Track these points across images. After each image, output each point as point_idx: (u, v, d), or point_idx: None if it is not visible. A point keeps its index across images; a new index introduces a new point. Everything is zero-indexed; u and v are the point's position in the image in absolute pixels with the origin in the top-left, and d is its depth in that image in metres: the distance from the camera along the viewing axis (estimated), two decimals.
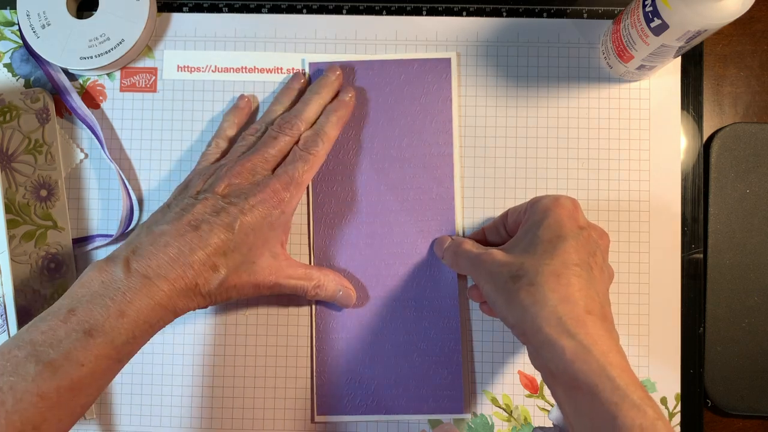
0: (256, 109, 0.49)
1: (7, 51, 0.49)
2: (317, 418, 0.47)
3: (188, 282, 0.38)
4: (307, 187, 0.48)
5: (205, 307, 0.40)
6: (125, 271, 0.37)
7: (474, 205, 0.48)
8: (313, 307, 0.48)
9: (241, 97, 0.48)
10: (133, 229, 0.48)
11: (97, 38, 0.47)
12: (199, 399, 0.47)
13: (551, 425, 0.47)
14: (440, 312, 0.47)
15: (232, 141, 0.47)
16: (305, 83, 0.48)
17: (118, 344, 0.35)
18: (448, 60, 0.48)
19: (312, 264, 0.48)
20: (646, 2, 0.39)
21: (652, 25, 0.39)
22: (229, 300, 0.41)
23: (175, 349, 0.48)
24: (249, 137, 0.45)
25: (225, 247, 0.39)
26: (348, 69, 0.49)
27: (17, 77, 0.49)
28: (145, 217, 0.48)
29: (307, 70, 0.49)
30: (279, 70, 0.49)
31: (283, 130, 0.44)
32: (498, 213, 0.48)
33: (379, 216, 0.48)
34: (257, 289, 0.42)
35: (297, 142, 0.44)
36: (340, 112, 0.46)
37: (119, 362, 0.36)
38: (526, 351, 0.47)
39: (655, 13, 0.38)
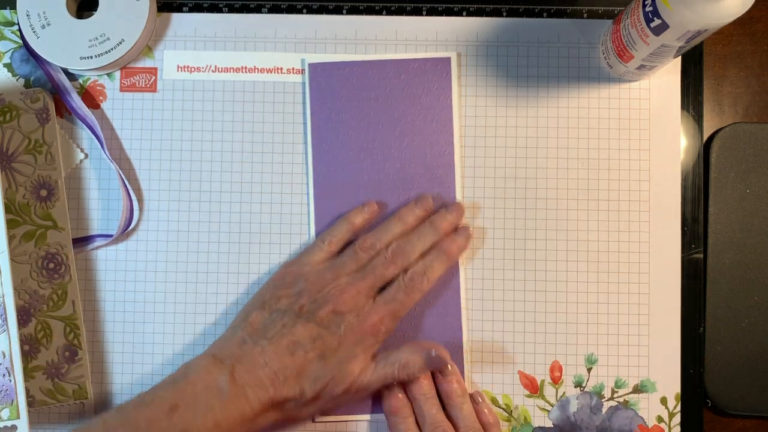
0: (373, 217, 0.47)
1: (7, 51, 0.49)
2: (319, 418, 0.47)
3: (276, 402, 0.41)
4: (308, 188, 0.48)
5: (289, 422, 0.43)
6: (229, 383, 0.40)
7: (474, 204, 0.48)
8: None
9: (371, 204, 0.47)
10: (133, 229, 0.48)
11: (97, 38, 0.47)
12: None
13: (551, 425, 0.47)
14: (442, 312, 0.47)
15: (343, 244, 0.46)
16: (431, 210, 0.47)
17: None
18: (448, 59, 0.48)
19: None
20: (646, 2, 0.39)
21: (652, 25, 0.39)
22: (325, 412, 0.45)
23: (175, 348, 0.48)
24: (361, 254, 0.45)
25: (316, 373, 0.42)
26: (347, 68, 0.48)
27: (17, 77, 0.49)
28: (146, 216, 0.48)
29: (306, 70, 0.49)
30: (279, 70, 0.49)
31: (395, 260, 0.44)
32: (498, 213, 0.48)
33: (379, 216, 0.48)
34: (345, 399, 0.43)
35: (404, 272, 0.44)
36: (452, 251, 0.46)
37: None
38: (525, 351, 0.47)
39: (655, 13, 0.38)
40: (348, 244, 0.46)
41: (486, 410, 0.46)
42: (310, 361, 0.41)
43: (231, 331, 0.44)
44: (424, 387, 0.45)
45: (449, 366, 0.45)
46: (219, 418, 0.39)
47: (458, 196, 0.48)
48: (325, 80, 0.48)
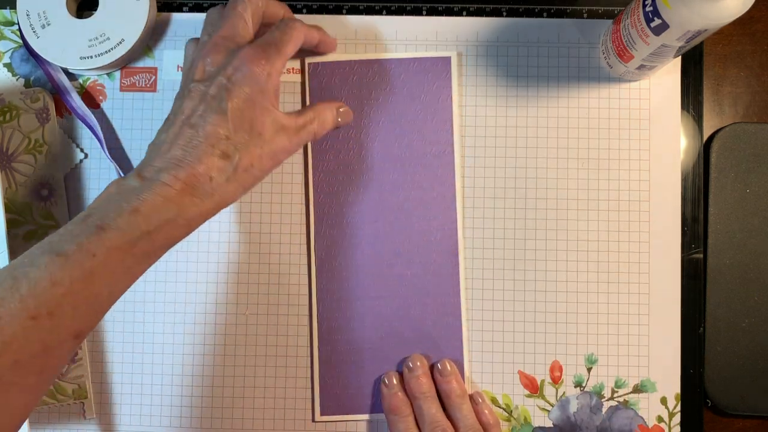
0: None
1: (7, 51, 0.49)
2: (320, 418, 0.47)
3: (200, 176, 0.37)
4: (308, 188, 0.48)
5: (218, 209, 0.39)
6: (138, 179, 0.37)
7: (474, 204, 0.48)
8: (314, 307, 0.48)
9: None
10: None
11: (97, 38, 0.47)
12: (199, 399, 0.47)
13: (551, 425, 0.47)
14: (443, 311, 0.47)
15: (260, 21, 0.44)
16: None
17: (131, 238, 0.35)
18: (448, 59, 0.48)
19: (314, 263, 0.48)
20: (646, 2, 0.39)
21: (652, 25, 0.39)
22: (252, 185, 0.40)
23: (174, 348, 0.48)
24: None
25: (225, 130, 0.38)
26: (347, 68, 0.48)
27: (17, 77, 0.49)
28: None
29: (305, 70, 0.49)
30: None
31: None
32: (498, 213, 0.48)
33: (380, 216, 0.48)
34: (275, 158, 0.41)
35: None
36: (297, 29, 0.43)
37: (134, 258, 0.36)
38: (525, 351, 0.47)
39: (655, 13, 0.38)
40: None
41: (486, 411, 0.46)
42: (211, 121, 0.38)
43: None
44: (424, 386, 0.45)
45: (446, 368, 0.45)
46: (137, 206, 0.36)
47: (459, 195, 0.48)
48: (325, 79, 0.48)
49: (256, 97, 0.39)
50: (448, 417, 0.45)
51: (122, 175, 0.48)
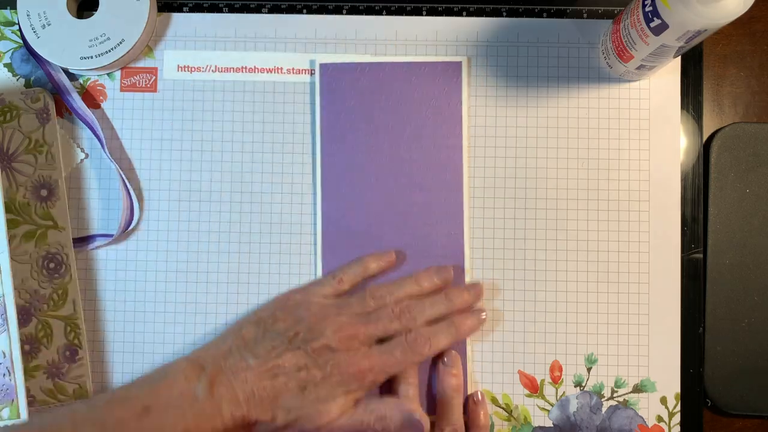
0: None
1: (8, 51, 0.49)
2: None
3: (246, 421, 0.41)
4: (316, 189, 0.48)
5: None
6: (206, 393, 0.40)
7: (474, 204, 0.48)
8: None
9: (389, 254, 0.47)
10: (133, 229, 0.48)
11: (97, 38, 0.47)
12: None
13: (551, 425, 0.47)
14: None
15: (354, 285, 0.46)
16: (449, 283, 0.46)
17: None
18: (459, 64, 0.48)
19: (321, 272, 0.48)
20: (646, 2, 0.39)
21: (652, 25, 0.39)
22: None
23: (175, 348, 0.48)
24: (369, 301, 0.44)
25: (291, 403, 0.41)
26: (358, 69, 0.48)
27: (17, 77, 0.49)
28: (146, 216, 0.48)
29: (317, 71, 0.48)
30: (279, 70, 0.49)
31: (401, 318, 0.44)
32: (498, 213, 0.48)
33: (387, 218, 0.48)
34: None
35: (408, 332, 0.43)
36: (463, 329, 0.45)
37: None
38: (525, 351, 0.47)
39: (655, 13, 0.38)
40: (358, 286, 0.46)
41: (481, 412, 0.46)
42: (290, 389, 0.41)
43: (221, 340, 0.44)
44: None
45: (451, 359, 0.46)
46: (190, 426, 0.38)
47: (466, 197, 0.48)
48: (336, 81, 0.48)
49: (338, 397, 0.42)
50: (437, 409, 0.45)
51: (122, 175, 0.48)
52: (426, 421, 0.43)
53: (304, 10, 0.49)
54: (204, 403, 0.39)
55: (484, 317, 0.46)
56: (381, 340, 0.44)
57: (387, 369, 0.43)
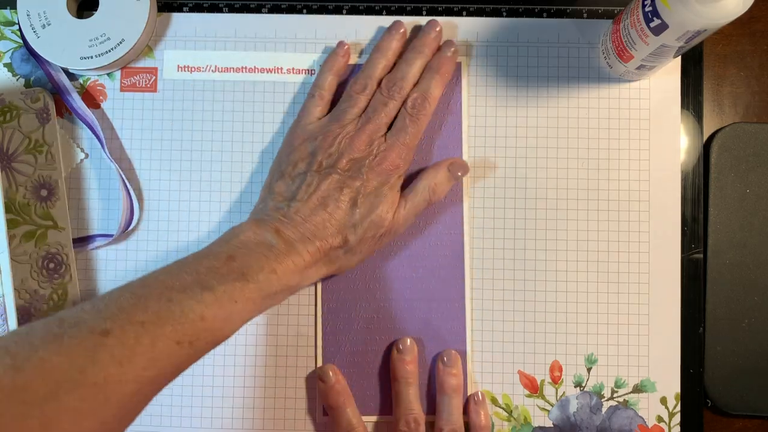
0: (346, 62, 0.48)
1: (8, 51, 0.49)
2: (323, 419, 0.47)
3: (323, 253, 0.42)
4: None
5: (334, 274, 0.45)
6: (276, 237, 0.41)
7: (474, 204, 0.48)
8: (318, 308, 0.48)
9: (341, 44, 0.48)
10: (133, 229, 0.48)
11: (97, 38, 0.47)
12: (199, 399, 0.47)
13: (551, 425, 0.47)
14: (448, 314, 0.47)
15: (333, 91, 0.47)
16: (405, 34, 0.48)
17: (264, 294, 0.39)
18: (459, 64, 0.48)
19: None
20: (646, 2, 0.39)
21: (652, 25, 0.39)
22: (368, 254, 0.45)
23: None
24: (357, 96, 0.46)
25: (353, 220, 0.43)
26: (358, 70, 0.48)
27: (17, 77, 0.49)
28: (146, 216, 0.48)
29: (318, 71, 0.49)
30: (279, 70, 0.49)
31: (392, 94, 0.45)
32: (498, 212, 0.48)
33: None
34: (387, 238, 0.45)
35: (404, 102, 0.45)
36: (443, 68, 0.46)
37: (256, 312, 0.40)
38: (525, 351, 0.47)
39: (655, 13, 0.38)
40: (339, 91, 0.47)
41: (482, 412, 0.46)
42: (344, 210, 0.43)
43: (261, 204, 0.45)
44: (409, 371, 0.46)
45: (451, 359, 0.46)
46: (274, 266, 0.40)
47: (466, 197, 0.48)
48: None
49: (387, 194, 0.44)
50: (436, 409, 0.46)
51: (122, 175, 0.48)
52: (461, 161, 0.47)
53: (304, 10, 0.49)
54: (279, 246, 0.41)
55: (453, 49, 0.47)
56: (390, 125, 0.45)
57: (409, 144, 0.45)
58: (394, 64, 0.47)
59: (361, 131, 0.44)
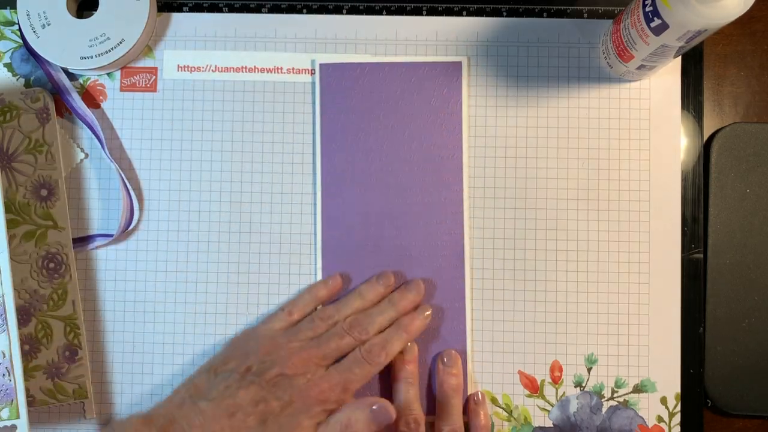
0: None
1: (7, 51, 0.49)
2: None
3: None
4: (315, 188, 0.48)
5: None
6: None
7: (474, 204, 0.48)
8: (318, 308, 0.48)
9: (334, 277, 0.47)
10: (133, 229, 0.48)
11: (97, 38, 0.47)
12: None
13: (551, 425, 0.47)
14: (448, 314, 0.47)
15: (304, 315, 0.46)
16: (392, 286, 0.47)
17: None
18: (459, 64, 0.48)
19: (320, 276, 0.48)
20: (646, 2, 0.39)
21: (652, 25, 0.39)
22: None
23: (175, 348, 0.48)
24: (318, 321, 0.44)
25: None
26: (358, 70, 0.48)
27: (17, 77, 0.49)
28: (146, 216, 0.48)
29: (317, 71, 0.48)
30: (279, 70, 0.49)
31: (352, 331, 0.44)
32: (498, 212, 0.48)
33: (387, 219, 0.48)
34: None
35: (361, 345, 0.44)
36: (412, 328, 0.45)
37: None
38: (525, 351, 0.47)
39: (655, 13, 0.38)
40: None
41: (482, 412, 0.46)
42: (249, 426, 0.40)
43: (174, 394, 0.43)
44: (409, 371, 0.46)
45: (451, 359, 0.45)
46: None
47: (466, 197, 0.48)
48: (335, 81, 0.48)
49: (302, 423, 0.41)
50: (436, 409, 0.46)
51: (122, 175, 0.48)
52: (390, 407, 0.42)
53: (304, 10, 0.49)
54: None
55: (428, 314, 0.46)
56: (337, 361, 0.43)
57: (348, 386, 0.42)
58: None
59: (304, 350, 0.42)
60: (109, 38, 0.47)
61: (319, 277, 0.48)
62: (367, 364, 0.43)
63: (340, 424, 0.41)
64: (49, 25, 0.47)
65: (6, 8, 0.50)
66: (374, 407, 0.42)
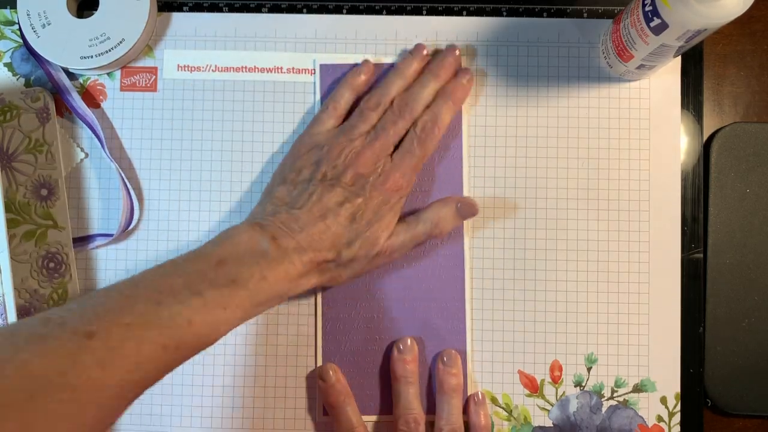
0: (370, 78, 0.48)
1: (8, 50, 0.49)
2: (323, 418, 0.47)
3: (315, 264, 0.42)
4: None
5: (325, 286, 0.46)
6: (271, 243, 0.40)
7: (484, 204, 0.48)
8: (318, 309, 0.48)
9: (366, 62, 0.48)
10: (133, 229, 0.48)
11: (97, 38, 0.47)
12: (199, 398, 0.47)
13: (551, 425, 0.47)
14: (447, 314, 0.47)
15: (348, 106, 0.47)
16: (426, 57, 0.47)
17: (254, 302, 0.39)
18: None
19: None
20: (646, 2, 0.39)
21: (652, 24, 0.39)
22: (360, 274, 0.45)
23: None
24: (368, 113, 0.45)
25: (348, 236, 0.43)
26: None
27: (17, 76, 0.49)
28: (146, 216, 0.48)
29: (317, 71, 0.49)
30: (279, 70, 0.49)
31: (403, 114, 0.45)
32: (498, 212, 0.48)
33: None
34: (380, 260, 0.45)
35: (414, 124, 0.45)
36: (456, 95, 0.46)
37: (245, 319, 0.40)
38: (525, 351, 0.47)
39: (655, 13, 0.38)
40: (354, 107, 0.47)
41: (482, 412, 0.46)
42: (342, 224, 0.42)
43: (260, 207, 0.45)
44: (409, 370, 0.46)
45: (451, 359, 0.46)
46: (266, 273, 0.39)
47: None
48: (336, 81, 0.48)
49: (385, 215, 0.44)
50: (436, 409, 0.46)
51: (122, 175, 0.48)
52: (472, 200, 0.46)
53: (304, 10, 0.49)
54: (272, 254, 0.40)
55: (469, 77, 0.47)
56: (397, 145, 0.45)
57: (415, 166, 0.44)
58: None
59: (369, 147, 0.44)
60: (109, 38, 0.47)
61: None
62: (424, 142, 0.45)
63: (431, 222, 0.45)
64: (49, 24, 0.47)
65: (6, 8, 0.50)
66: (459, 204, 0.45)
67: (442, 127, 0.45)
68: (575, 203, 0.48)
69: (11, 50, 0.49)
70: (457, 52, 0.47)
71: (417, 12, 0.49)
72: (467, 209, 0.45)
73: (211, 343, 0.38)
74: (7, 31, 0.49)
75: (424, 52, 0.47)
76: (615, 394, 0.47)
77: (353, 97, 0.47)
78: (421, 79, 0.46)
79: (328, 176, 0.43)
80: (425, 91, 0.46)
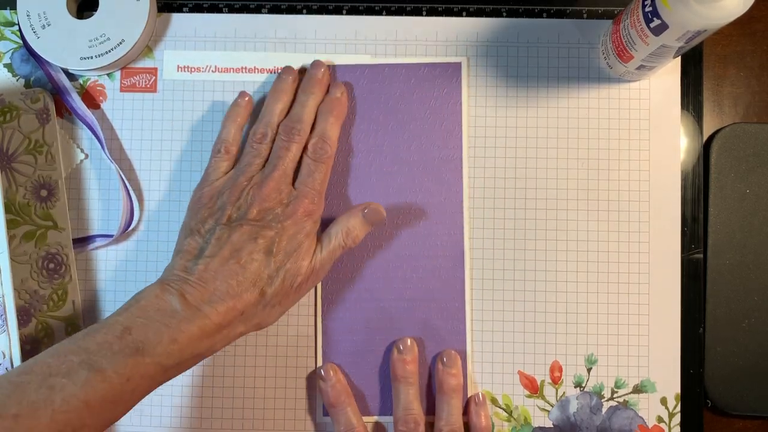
0: (257, 106, 0.48)
1: (8, 51, 0.49)
2: (323, 419, 0.47)
3: (238, 312, 0.40)
4: None
5: (255, 330, 0.43)
6: (181, 301, 0.39)
7: (474, 205, 0.48)
8: (318, 309, 0.48)
9: (242, 94, 0.48)
10: (133, 229, 0.48)
11: (97, 38, 0.47)
12: (199, 399, 0.47)
13: (551, 425, 0.47)
14: (447, 315, 0.47)
15: (238, 143, 0.47)
16: (296, 76, 0.48)
17: (164, 367, 0.38)
18: (459, 65, 0.48)
19: None
20: (646, 2, 0.39)
21: (652, 25, 0.39)
22: (289, 307, 0.43)
23: None
24: (258, 146, 0.45)
25: (268, 270, 0.41)
26: (357, 71, 0.48)
27: (17, 77, 0.49)
28: (146, 216, 0.48)
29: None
30: (279, 70, 0.49)
31: (292, 138, 0.44)
32: (498, 213, 0.48)
33: (387, 219, 0.47)
34: (306, 286, 0.44)
35: (305, 149, 0.45)
36: (336, 111, 0.46)
37: (158, 385, 0.39)
38: (525, 351, 0.47)
39: (655, 14, 0.38)
40: (243, 144, 0.46)
41: (482, 413, 0.46)
42: (258, 260, 0.41)
43: (170, 265, 0.43)
44: (409, 371, 0.46)
45: (450, 359, 0.46)
46: (176, 335, 0.38)
47: (466, 197, 0.48)
48: (336, 81, 0.48)
49: (303, 241, 0.43)
50: (436, 409, 0.46)
51: (122, 175, 0.48)
52: (379, 206, 0.45)
53: (304, 10, 0.49)
54: (183, 311, 0.39)
55: (342, 89, 0.47)
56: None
57: (319, 189, 0.44)
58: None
59: (269, 179, 0.43)
60: (109, 38, 0.47)
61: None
62: (321, 162, 0.44)
63: (342, 234, 0.44)
64: (49, 25, 0.47)
65: (6, 8, 0.50)
66: (365, 211, 0.45)
67: (332, 144, 0.45)
68: (575, 203, 0.48)
69: (11, 51, 0.49)
70: (323, 68, 0.47)
71: (417, 12, 0.49)
72: (373, 215, 0.45)
73: (119, 418, 0.37)
74: (6, 32, 0.49)
75: (293, 72, 0.47)
76: (615, 395, 0.47)
77: (240, 132, 0.47)
78: (298, 99, 0.46)
79: (233, 218, 0.42)
80: (306, 110, 0.46)
